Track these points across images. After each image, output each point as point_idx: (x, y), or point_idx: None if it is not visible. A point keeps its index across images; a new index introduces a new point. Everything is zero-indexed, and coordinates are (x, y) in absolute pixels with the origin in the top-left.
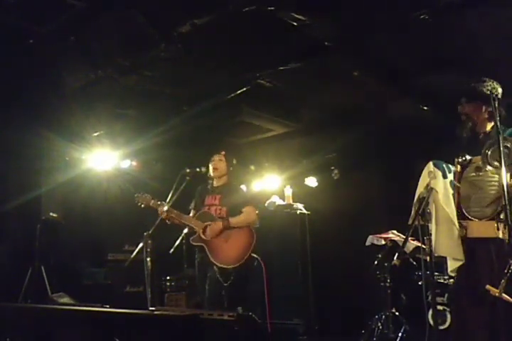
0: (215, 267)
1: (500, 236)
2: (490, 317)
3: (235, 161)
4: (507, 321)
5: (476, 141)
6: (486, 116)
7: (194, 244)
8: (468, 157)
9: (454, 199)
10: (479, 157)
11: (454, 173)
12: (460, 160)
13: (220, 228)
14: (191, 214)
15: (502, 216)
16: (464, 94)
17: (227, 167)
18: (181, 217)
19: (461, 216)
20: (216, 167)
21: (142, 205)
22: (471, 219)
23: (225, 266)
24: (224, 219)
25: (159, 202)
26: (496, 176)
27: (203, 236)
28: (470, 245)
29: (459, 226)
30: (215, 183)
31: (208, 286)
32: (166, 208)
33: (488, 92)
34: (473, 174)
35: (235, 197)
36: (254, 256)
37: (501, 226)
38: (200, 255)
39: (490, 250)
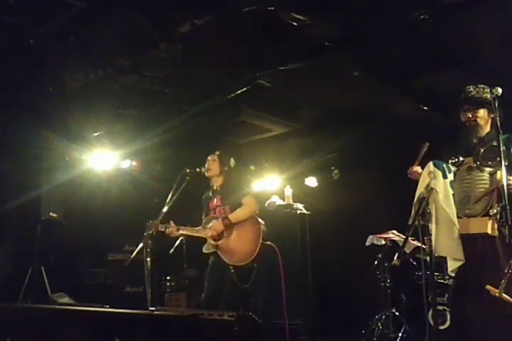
0: (231, 269)
1: (489, 232)
2: (482, 315)
3: (232, 162)
4: (498, 318)
5: (473, 144)
6: (490, 121)
7: (207, 252)
8: (461, 158)
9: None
10: (471, 158)
11: (454, 173)
12: (453, 161)
13: (221, 226)
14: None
15: (491, 212)
16: (469, 101)
17: (221, 167)
18: (189, 231)
19: None
20: (209, 168)
21: (154, 233)
22: (461, 218)
23: (242, 264)
24: (223, 217)
25: (166, 225)
26: (486, 175)
27: (212, 242)
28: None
29: None
30: (214, 185)
31: (227, 287)
32: (170, 223)
33: (490, 98)
34: (465, 174)
35: (235, 193)
36: (268, 243)
37: (490, 222)
38: (214, 258)
39: (479, 246)
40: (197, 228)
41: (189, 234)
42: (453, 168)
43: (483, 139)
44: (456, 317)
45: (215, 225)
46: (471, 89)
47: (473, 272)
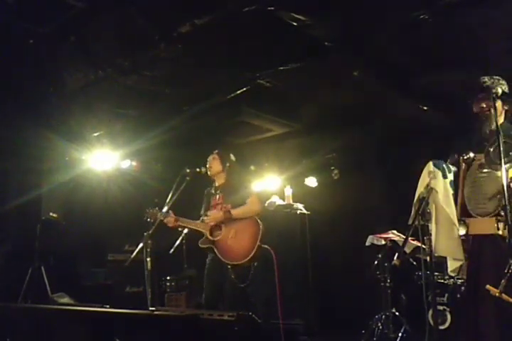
0: (229, 268)
1: (500, 233)
2: (493, 315)
3: (232, 158)
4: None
5: (486, 136)
6: (503, 113)
7: (202, 246)
8: (471, 154)
9: (458, 197)
10: (482, 154)
11: (456, 172)
12: (465, 157)
13: (220, 216)
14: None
15: (502, 213)
16: (484, 91)
17: (222, 164)
18: (187, 223)
19: (465, 213)
20: (210, 166)
21: (152, 220)
22: (474, 217)
23: (236, 263)
24: (225, 210)
25: (164, 212)
26: (498, 173)
27: (210, 237)
28: (472, 242)
29: (462, 223)
30: (217, 183)
31: (227, 286)
32: (169, 213)
33: (505, 89)
34: (477, 171)
35: (237, 192)
36: (265, 246)
37: (501, 223)
38: (212, 256)
39: (490, 247)
40: (196, 221)
41: (187, 226)
42: (453, 168)
43: (496, 131)
44: (465, 317)
45: (215, 214)
46: (486, 79)
47: (480, 269)
